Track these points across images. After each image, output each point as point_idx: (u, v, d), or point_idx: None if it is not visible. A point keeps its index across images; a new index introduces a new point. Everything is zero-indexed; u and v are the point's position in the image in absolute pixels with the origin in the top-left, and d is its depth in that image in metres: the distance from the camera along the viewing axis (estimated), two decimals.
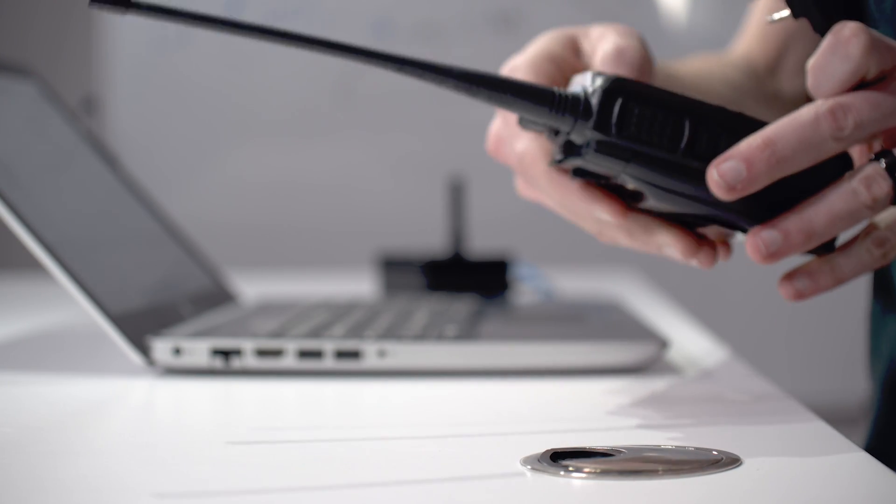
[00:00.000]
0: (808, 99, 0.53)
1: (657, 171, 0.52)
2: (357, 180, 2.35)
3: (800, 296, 0.54)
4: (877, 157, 0.52)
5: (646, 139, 0.51)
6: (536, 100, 0.51)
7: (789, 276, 0.54)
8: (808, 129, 0.51)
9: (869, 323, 0.83)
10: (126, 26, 2.34)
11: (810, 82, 0.52)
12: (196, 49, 2.35)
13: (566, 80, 0.60)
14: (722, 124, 0.52)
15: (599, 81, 0.51)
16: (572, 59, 0.62)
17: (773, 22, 0.56)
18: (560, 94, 0.52)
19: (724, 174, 0.51)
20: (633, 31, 0.61)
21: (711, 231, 0.58)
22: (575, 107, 0.51)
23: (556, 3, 2.27)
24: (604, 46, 0.59)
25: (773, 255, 0.52)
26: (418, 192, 2.27)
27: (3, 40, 2.55)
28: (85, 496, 0.41)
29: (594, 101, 0.51)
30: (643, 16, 2.30)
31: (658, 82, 0.64)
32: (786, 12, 0.54)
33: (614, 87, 0.51)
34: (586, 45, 0.62)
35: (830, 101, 0.51)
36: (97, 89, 2.41)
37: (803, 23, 0.54)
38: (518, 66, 0.61)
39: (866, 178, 0.51)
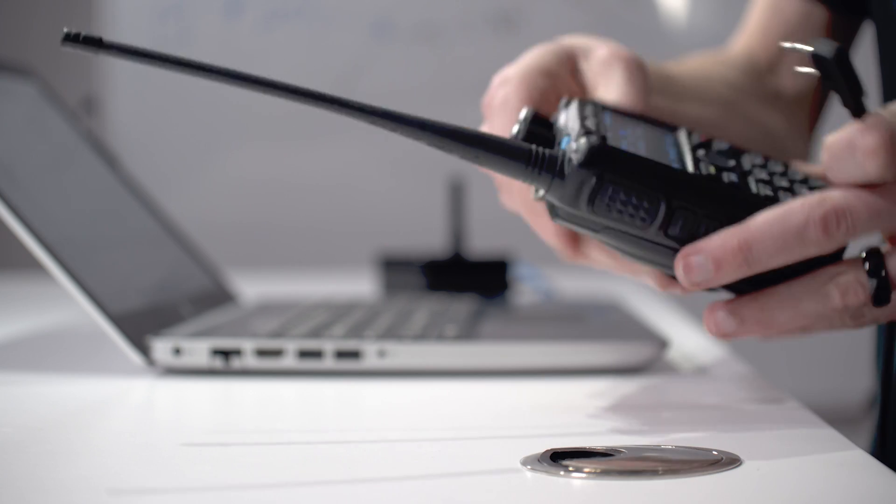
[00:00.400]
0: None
1: (627, 243, 0.50)
2: (357, 180, 2.35)
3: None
4: (865, 258, 0.49)
5: (616, 217, 0.49)
6: (512, 156, 0.49)
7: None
8: (792, 235, 0.48)
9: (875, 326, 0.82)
10: (126, 26, 2.34)
11: (824, 160, 0.49)
12: (196, 49, 2.35)
13: (558, 97, 0.58)
14: (703, 204, 0.49)
15: (581, 147, 0.48)
16: (567, 76, 0.59)
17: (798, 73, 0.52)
18: (537, 153, 0.49)
19: (690, 269, 0.48)
20: (636, 66, 0.58)
21: None
22: (552, 166, 0.49)
23: (556, 3, 2.27)
24: (608, 90, 0.57)
25: (726, 335, 0.50)
26: (418, 192, 2.27)
27: (3, 40, 2.55)
28: (85, 496, 0.41)
29: (568, 171, 0.48)
30: (643, 16, 2.30)
31: (654, 86, 0.62)
32: (813, 71, 0.50)
33: (592, 160, 0.48)
34: (584, 67, 0.60)
35: (827, 206, 0.48)
36: (97, 89, 2.41)
37: (805, 17, 0.52)
38: (509, 78, 0.58)
39: (843, 286, 0.48)
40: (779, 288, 0.49)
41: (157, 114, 2.39)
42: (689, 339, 0.80)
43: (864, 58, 0.82)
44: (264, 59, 2.36)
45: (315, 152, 2.37)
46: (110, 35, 2.36)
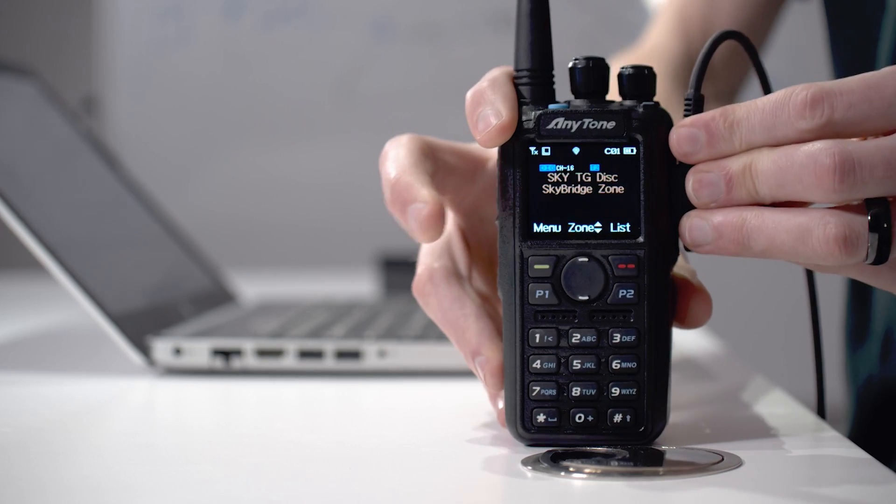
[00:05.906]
0: None
1: None
2: (357, 180, 2.35)
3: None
4: (867, 206, 0.42)
5: None
6: None
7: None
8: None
9: (843, 337, 0.82)
10: (126, 26, 2.34)
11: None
12: (196, 49, 2.35)
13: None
14: None
15: None
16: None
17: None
18: None
19: (702, 183, 0.44)
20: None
21: None
22: None
23: (556, 3, 2.27)
24: None
25: (698, 247, 0.45)
26: None
27: (3, 40, 2.55)
28: (85, 496, 0.41)
29: None
30: (642, 15, 2.30)
31: None
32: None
33: None
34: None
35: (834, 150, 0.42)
36: (97, 89, 2.41)
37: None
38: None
39: (831, 232, 0.42)
40: (764, 214, 0.43)
41: (157, 114, 2.39)
42: (689, 339, 0.80)
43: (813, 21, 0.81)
44: (264, 59, 2.36)
45: (315, 152, 2.37)
46: (110, 35, 2.37)
